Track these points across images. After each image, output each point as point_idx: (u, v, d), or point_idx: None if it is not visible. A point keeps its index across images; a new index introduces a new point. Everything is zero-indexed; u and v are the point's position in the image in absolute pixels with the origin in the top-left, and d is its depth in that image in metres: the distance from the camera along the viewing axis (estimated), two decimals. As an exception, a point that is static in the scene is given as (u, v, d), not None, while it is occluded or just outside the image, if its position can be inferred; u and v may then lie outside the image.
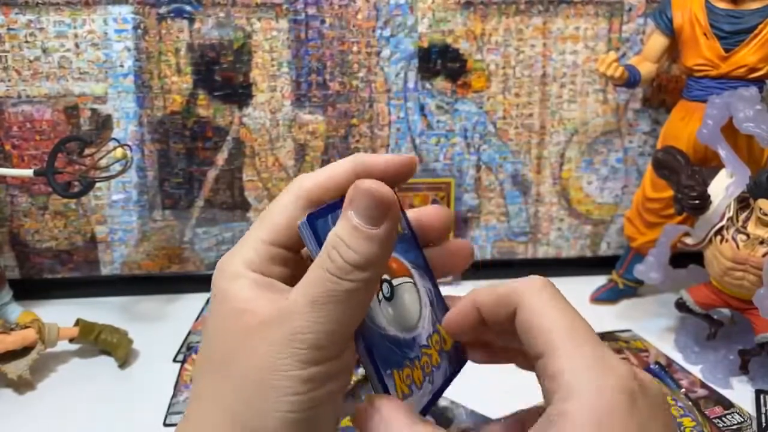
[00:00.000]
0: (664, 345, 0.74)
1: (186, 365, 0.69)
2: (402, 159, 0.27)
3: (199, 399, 0.25)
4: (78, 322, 0.71)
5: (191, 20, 0.79)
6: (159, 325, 0.80)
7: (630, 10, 0.84)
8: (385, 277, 0.27)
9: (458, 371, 0.30)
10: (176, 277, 0.88)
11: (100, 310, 0.79)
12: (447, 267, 0.30)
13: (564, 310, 0.24)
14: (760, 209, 0.62)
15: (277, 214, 0.26)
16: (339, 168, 0.26)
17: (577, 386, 0.22)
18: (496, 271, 0.88)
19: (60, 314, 0.72)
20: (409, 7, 0.81)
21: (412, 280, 0.28)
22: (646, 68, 0.77)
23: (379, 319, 0.26)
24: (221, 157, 0.84)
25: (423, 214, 0.30)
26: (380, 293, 0.26)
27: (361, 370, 0.26)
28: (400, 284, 0.28)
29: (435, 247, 0.30)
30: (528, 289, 0.25)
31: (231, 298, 0.24)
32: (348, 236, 0.23)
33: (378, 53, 0.82)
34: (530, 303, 0.24)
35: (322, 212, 0.25)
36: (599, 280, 0.88)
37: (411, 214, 0.30)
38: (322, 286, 0.23)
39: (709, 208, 0.67)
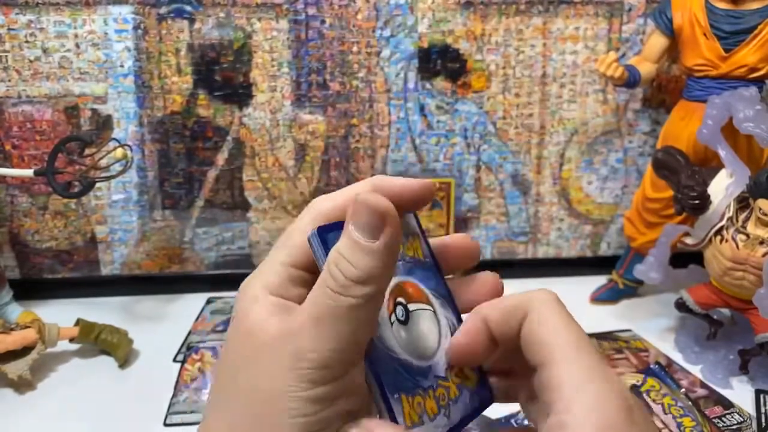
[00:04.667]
0: (664, 345, 0.74)
1: (186, 365, 0.69)
2: (420, 183, 0.27)
3: (211, 418, 0.25)
4: (78, 322, 0.71)
5: (191, 20, 0.79)
6: (159, 325, 0.80)
7: (630, 10, 0.84)
8: (400, 300, 0.26)
9: (481, 409, 0.28)
10: (176, 277, 0.88)
11: (100, 310, 0.79)
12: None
13: (569, 324, 0.24)
14: (760, 209, 0.62)
15: (296, 236, 0.26)
16: (357, 190, 0.26)
17: (578, 399, 0.22)
18: (496, 271, 0.88)
19: (60, 314, 0.72)
20: (409, 7, 0.81)
21: (431, 309, 0.28)
22: (646, 68, 0.77)
23: (389, 341, 0.25)
24: (221, 157, 0.84)
25: (448, 244, 0.30)
26: (393, 315, 0.26)
27: None
28: (416, 310, 0.27)
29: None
30: (536, 300, 0.25)
31: (247, 319, 0.24)
32: (348, 251, 0.23)
33: (378, 53, 0.82)
34: (537, 313, 0.25)
35: (334, 226, 0.25)
36: (599, 280, 0.88)
37: (435, 242, 0.29)
38: (325, 303, 0.23)
39: (709, 208, 0.67)
